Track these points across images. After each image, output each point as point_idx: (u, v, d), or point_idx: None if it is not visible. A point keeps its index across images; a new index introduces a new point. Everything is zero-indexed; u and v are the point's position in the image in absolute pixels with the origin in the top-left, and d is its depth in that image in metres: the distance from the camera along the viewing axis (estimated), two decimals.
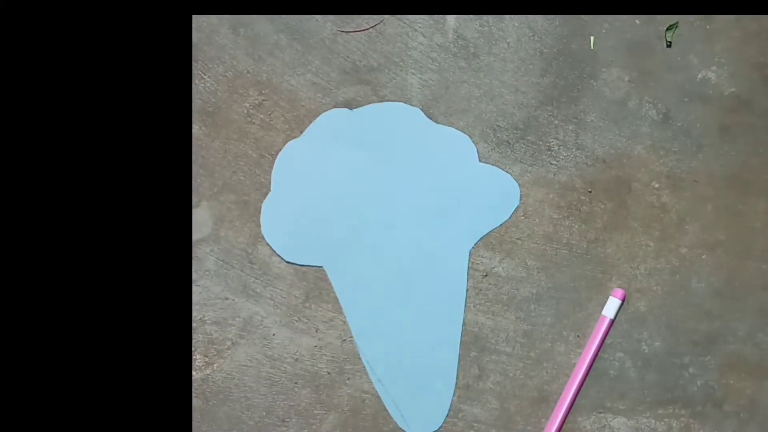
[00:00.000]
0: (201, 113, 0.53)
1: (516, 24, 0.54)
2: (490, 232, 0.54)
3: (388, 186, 0.54)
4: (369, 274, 0.53)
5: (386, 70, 0.54)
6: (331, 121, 0.54)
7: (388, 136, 0.54)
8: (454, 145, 0.54)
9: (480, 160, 0.54)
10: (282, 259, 0.53)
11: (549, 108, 0.54)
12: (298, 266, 0.53)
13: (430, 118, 0.54)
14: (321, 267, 0.53)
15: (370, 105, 0.54)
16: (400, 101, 0.54)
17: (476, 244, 0.53)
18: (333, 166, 0.54)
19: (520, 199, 0.54)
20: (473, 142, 0.54)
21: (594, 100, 0.54)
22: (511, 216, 0.54)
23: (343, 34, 0.54)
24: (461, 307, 0.53)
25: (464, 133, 0.54)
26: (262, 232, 0.53)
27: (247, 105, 0.54)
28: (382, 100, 0.54)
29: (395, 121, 0.54)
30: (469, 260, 0.53)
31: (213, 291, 0.53)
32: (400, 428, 0.52)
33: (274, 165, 0.54)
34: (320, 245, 0.53)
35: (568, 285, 0.54)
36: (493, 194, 0.54)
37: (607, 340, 0.53)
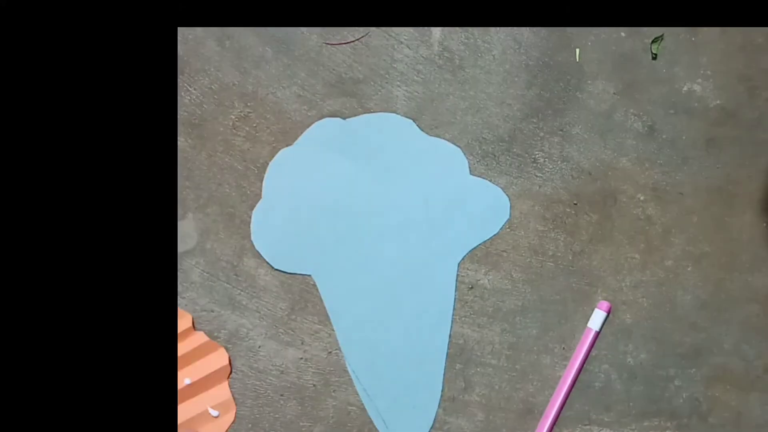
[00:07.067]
0: (186, 125, 0.54)
1: (501, 36, 0.54)
2: (478, 245, 0.54)
3: (379, 196, 0.54)
4: (358, 284, 0.53)
5: (372, 83, 0.54)
6: (324, 130, 0.54)
7: (380, 147, 0.54)
8: (446, 158, 0.54)
9: (471, 173, 0.54)
10: (271, 266, 0.53)
11: (534, 120, 0.54)
12: (283, 278, 0.53)
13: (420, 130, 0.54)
14: (309, 275, 0.53)
15: (363, 115, 0.54)
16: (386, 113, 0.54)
17: (464, 257, 0.54)
18: (324, 175, 0.54)
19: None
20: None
21: (579, 113, 0.54)
22: (499, 230, 0.54)
23: (329, 46, 0.54)
24: (448, 320, 0.53)
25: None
26: (252, 239, 0.53)
27: (233, 117, 0.54)
28: (367, 112, 0.54)
29: (388, 132, 0.54)
30: (457, 273, 0.53)
31: (198, 303, 0.53)
32: None
33: (266, 172, 0.54)
34: (309, 253, 0.54)
35: (554, 297, 0.54)
36: (483, 207, 0.54)
37: (593, 353, 0.53)
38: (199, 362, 0.52)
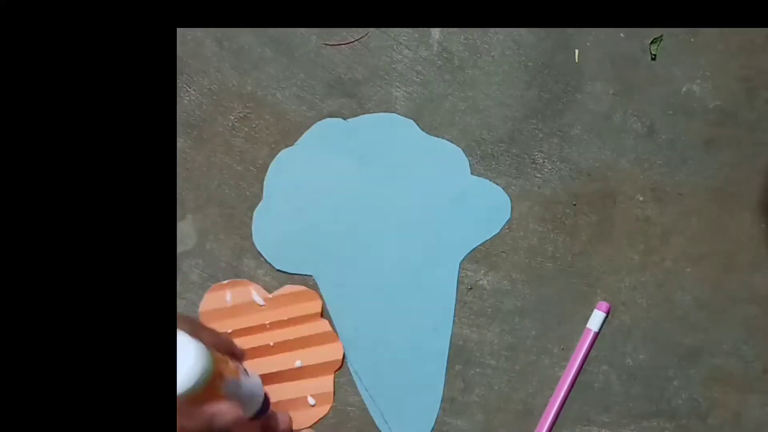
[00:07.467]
0: (186, 126, 0.54)
1: (501, 37, 0.54)
2: (479, 245, 0.54)
3: (380, 196, 0.54)
4: (359, 284, 0.53)
5: (371, 84, 0.54)
6: (325, 130, 0.54)
7: (381, 147, 0.54)
8: (447, 157, 0.54)
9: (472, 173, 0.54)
10: (271, 266, 0.53)
11: (533, 121, 0.54)
12: (284, 279, 0.53)
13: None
14: (311, 276, 0.53)
15: (364, 115, 0.54)
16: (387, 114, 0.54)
17: (465, 257, 0.54)
18: (325, 175, 0.54)
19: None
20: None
21: (578, 113, 0.54)
22: (500, 230, 0.54)
23: (328, 47, 0.54)
24: (450, 321, 0.53)
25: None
26: (253, 239, 0.53)
27: (232, 118, 0.54)
28: (367, 113, 0.54)
29: (388, 132, 0.54)
30: (458, 273, 0.53)
31: (198, 304, 0.53)
32: None
33: (267, 173, 0.54)
34: (311, 254, 0.54)
35: (553, 298, 0.54)
36: (484, 207, 0.54)
37: (592, 353, 0.53)
38: (314, 348, 0.52)
